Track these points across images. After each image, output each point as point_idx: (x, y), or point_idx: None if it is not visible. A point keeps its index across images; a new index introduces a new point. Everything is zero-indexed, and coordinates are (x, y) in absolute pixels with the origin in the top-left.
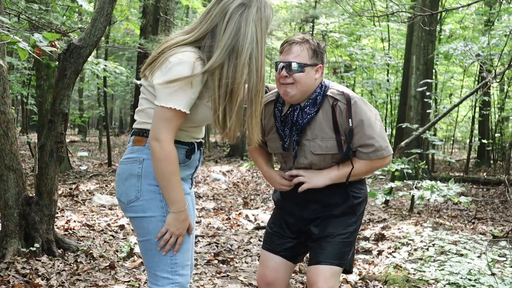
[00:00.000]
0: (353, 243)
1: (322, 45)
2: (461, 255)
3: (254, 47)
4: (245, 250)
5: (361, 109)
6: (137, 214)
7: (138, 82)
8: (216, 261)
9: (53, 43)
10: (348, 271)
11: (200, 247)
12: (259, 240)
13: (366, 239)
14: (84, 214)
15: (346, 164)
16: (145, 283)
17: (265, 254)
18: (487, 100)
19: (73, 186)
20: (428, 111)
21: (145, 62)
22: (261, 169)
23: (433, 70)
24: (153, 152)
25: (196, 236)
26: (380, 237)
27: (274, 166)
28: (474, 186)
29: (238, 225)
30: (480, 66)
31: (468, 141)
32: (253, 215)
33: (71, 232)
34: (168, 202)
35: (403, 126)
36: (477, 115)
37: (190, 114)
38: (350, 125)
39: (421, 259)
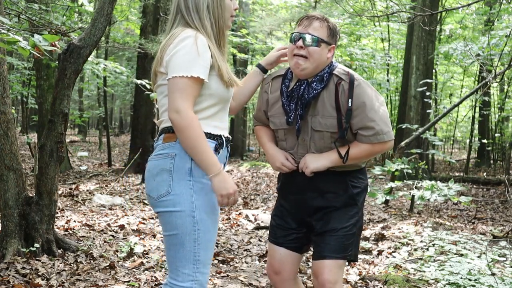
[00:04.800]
0: (356, 234)
1: (338, 29)
2: (461, 255)
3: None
4: (245, 250)
5: (364, 91)
6: (166, 208)
7: (138, 81)
8: (216, 261)
9: (53, 43)
10: (353, 260)
11: None
12: (259, 240)
13: (366, 239)
14: (84, 214)
15: (345, 146)
16: (145, 283)
17: (270, 246)
18: (487, 100)
19: (73, 186)
20: (428, 111)
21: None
22: (264, 145)
23: (433, 70)
24: (175, 124)
25: None
26: (380, 237)
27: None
28: (474, 186)
29: (238, 225)
30: (480, 66)
31: (468, 141)
32: (253, 215)
33: (71, 232)
34: (204, 168)
35: (403, 126)
36: (477, 115)
37: (210, 87)
38: (349, 105)
39: (421, 259)
